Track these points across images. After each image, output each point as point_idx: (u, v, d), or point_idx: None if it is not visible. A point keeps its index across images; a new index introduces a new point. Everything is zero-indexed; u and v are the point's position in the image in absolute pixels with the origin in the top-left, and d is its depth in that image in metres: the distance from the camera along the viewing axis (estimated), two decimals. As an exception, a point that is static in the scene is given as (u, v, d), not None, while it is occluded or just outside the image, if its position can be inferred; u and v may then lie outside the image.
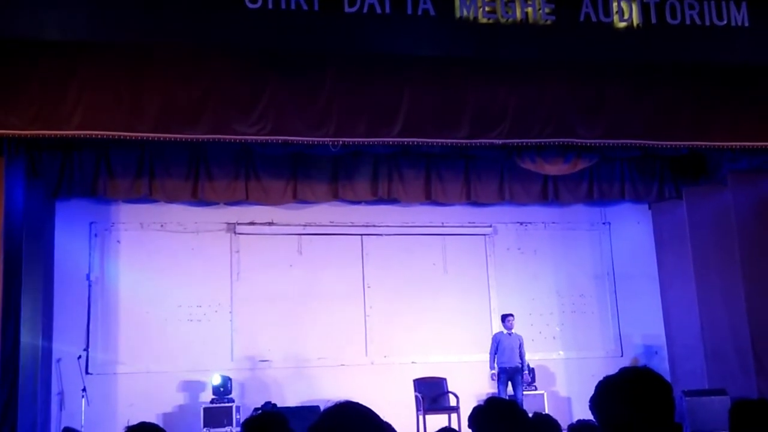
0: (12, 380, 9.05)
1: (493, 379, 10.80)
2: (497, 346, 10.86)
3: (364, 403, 2.29)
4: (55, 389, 10.38)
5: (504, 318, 11.04)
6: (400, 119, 9.23)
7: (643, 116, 9.75)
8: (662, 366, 11.39)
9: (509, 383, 10.75)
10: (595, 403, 2.31)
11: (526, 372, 10.97)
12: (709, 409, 9.64)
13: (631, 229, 12.73)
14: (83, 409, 10.11)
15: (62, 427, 9.79)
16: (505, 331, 10.95)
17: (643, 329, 12.31)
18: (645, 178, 11.79)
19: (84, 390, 10.22)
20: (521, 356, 10.86)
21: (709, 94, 9.88)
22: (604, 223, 12.87)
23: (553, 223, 12.67)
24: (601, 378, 2.39)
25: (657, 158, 11.46)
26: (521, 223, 12.60)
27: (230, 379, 10.80)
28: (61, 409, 10.40)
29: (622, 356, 12.23)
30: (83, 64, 8.67)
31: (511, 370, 10.74)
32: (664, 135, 9.88)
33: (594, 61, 9.63)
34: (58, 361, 10.47)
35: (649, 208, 12.57)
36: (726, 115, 9.91)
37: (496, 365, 10.78)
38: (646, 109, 9.76)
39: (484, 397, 10.61)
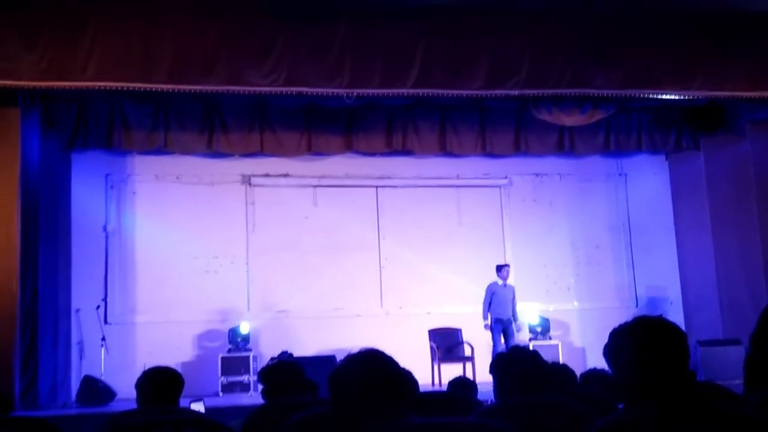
0: (32, 330, 9.20)
1: (486, 329, 10.79)
2: (491, 297, 10.85)
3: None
4: (74, 339, 10.54)
5: (500, 268, 10.98)
6: (415, 70, 9.15)
7: (661, 66, 9.62)
8: (677, 317, 11.39)
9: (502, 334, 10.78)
10: (608, 350, 2.31)
11: (517, 322, 10.93)
12: (723, 359, 9.66)
13: (648, 180, 12.65)
14: (103, 358, 10.27)
15: (83, 376, 9.96)
16: (500, 282, 10.94)
17: (658, 280, 12.31)
18: (662, 128, 11.67)
19: (103, 339, 10.37)
20: (513, 307, 10.89)
21: (728, 43, 9.71)
22: (620, 175, 12.80)
23: (569, 174, 12.62)
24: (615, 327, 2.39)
25: (675, 109, 11.32)
26: (537, 175, 12.55)
27: (247, 329, 10.92)
28: (81, 358, 10.58)
29: (636, 307, 12.25)
30: (94, 14, 8.62)
31: (507, 321, 10.76)
32: (682, 85, 9.75)
33: (612, 9, 9.47)
34: (77, 311, 10.60)
35: (666, 159, 12.46)
36: (745, 64, 9.75)
37: (489, 316, 10.76)
38: (664, 59, 9.62)
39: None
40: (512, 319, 10.82)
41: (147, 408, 3.66)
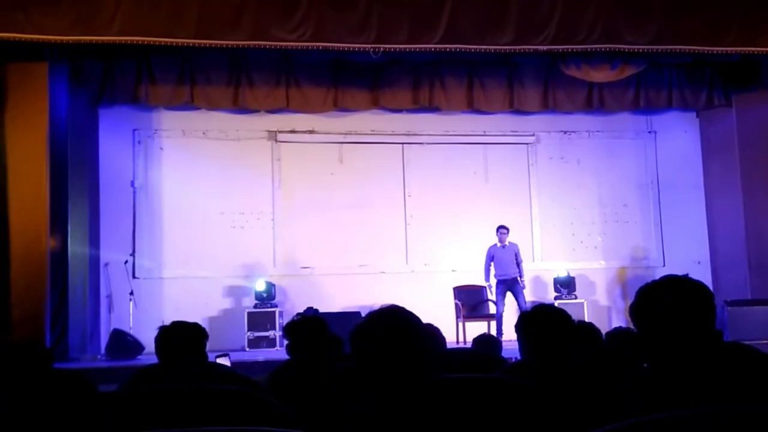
0: (62, 284, 9.35)
1: (490, 291, 10.82)
2: (492, 259, 10.84)
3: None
4: (103, 293, 10.69)
5: (497, 230, 10.96)
6: (442, 25, 9.05)
7: (693, 21, 9.43)
8: (705, 276, 11.29)
9: (508, 294, 10.75)
10: (635, 309, 2.30)
11: (523, 279, 10.87)
12: (751, 319, 9.61)
13: (678, 138, 12.47)
14: (131, 311, 10.41)
15: (112, 329, 10.12)
16: (499, 244, 10.89)
17: (687, 239, 12.19)
18: (694, 85, 11.46)
19: (131, 294, 10.51)
20: (518, 265, 10.84)
21: (764, -3, 9.51)
22: (650, 132, 12.62)
23: (598, 131, 12.47)
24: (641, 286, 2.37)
25: (707, 64, 11.10)
26: (565, 132, 12.42)
27: (273, 285, 11.01)
28: (110, 312, 10.73)
29: (664, 266, 12.16)
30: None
31: (510, 281, 10.73)
32: (715, 40, 9.57)
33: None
34: (106, 265, 10.74)
35: (697, 117, 12.28)
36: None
37: (492, 278, 10.79)
38: (696, 14, 9.43)
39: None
40: (518, 277, 10.80)
41: (172, 362, 3.69)
